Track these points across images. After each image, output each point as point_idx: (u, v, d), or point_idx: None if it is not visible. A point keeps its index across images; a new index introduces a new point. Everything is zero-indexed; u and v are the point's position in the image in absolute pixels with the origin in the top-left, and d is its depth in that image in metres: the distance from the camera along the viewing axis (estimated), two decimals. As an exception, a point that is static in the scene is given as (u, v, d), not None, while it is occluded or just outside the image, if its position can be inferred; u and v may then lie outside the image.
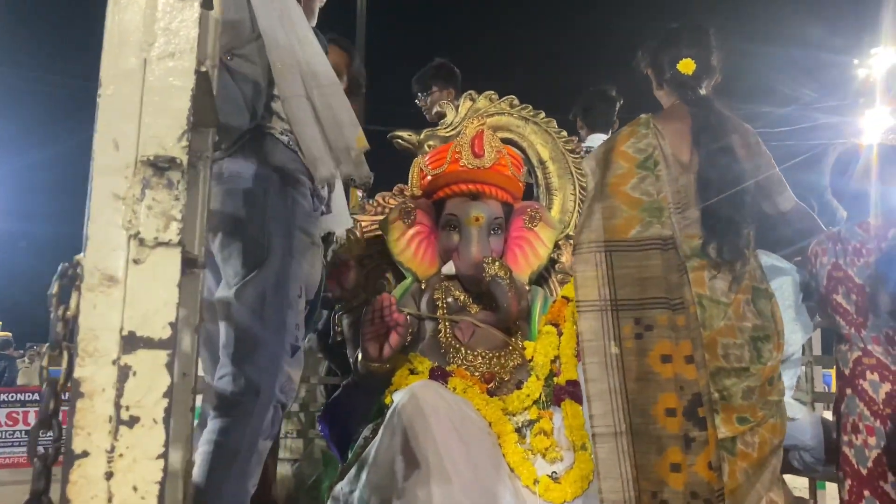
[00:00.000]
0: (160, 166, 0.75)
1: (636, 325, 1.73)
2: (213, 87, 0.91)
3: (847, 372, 1.98)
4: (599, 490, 1.64)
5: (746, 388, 1.75)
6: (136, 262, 0.75)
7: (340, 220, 1.66)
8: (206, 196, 0.95)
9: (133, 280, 0.75)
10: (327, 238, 1.88)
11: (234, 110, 1.40)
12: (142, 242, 0.75)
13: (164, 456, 0.74)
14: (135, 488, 0.72)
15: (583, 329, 1.77)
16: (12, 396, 6.15)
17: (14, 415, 6.01)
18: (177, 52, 0.77)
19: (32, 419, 6.01)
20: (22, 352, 10.12)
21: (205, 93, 0.84)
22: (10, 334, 10.66)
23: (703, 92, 2.01)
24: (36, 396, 6.18)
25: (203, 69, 0.79)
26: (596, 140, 3.23)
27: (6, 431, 6.00)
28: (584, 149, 3.16)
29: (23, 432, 6.01)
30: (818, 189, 2.18)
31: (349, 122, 1.45)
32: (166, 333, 0.74)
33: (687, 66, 1.98)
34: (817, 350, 2.53)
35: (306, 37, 1.42)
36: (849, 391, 1.96)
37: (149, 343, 0.74)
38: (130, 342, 0.74)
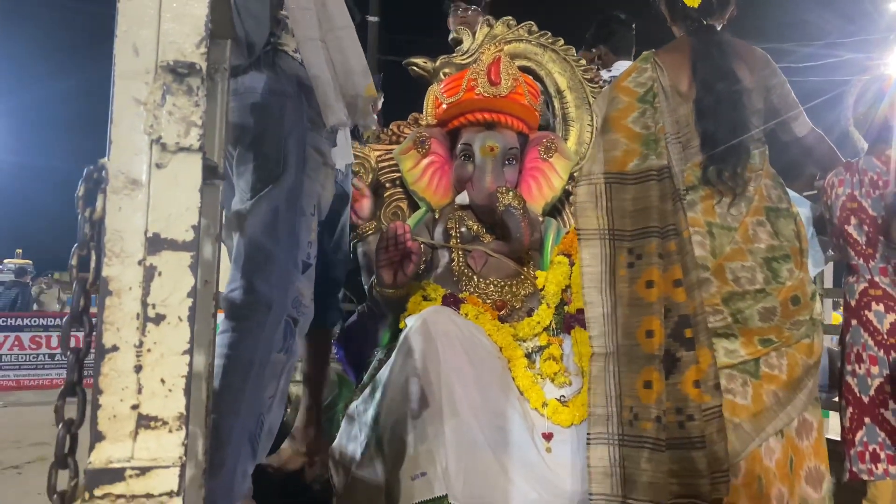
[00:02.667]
0: (179, 72, 0.76)
1: (629, 255, 1.80)
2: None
3: (853, 303, 2.01)
4: (588, 403, 1.71)
5: (763, 309, 1.79)
6: (158, 166, 0.77)
7: (343, 153, 1.67)
8: (224, 107, 0.96)
9: (156, 184, 0.77)
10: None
11: (255, 25, 1.40)
12: (164, 147, 0.77)
13: (190, 352, 0.78)
14: (162, 381, 0.77)
15: (583, 256, 1.85)
16: (35, 321, 6.34)
17: (38, 339, 6.21)
18: (194, -44, 0.77)
19: (55, 343, 6.20)
20: (37, 279, 10.35)
21: (222, 2, 0.84)
22: (30, 262, 10.90)
23: (711, 23, 1.99)
24: (58, 322, 6.36)
25: (220, -25, 0.79)
26: (622, 66, 3.18)
27: (30, 354, 6.21)
28: (608, 78, 3.11)
29: (46, 355, 6.22)
30: (842, 123, 2.16)
31: (360, 69, 1.45)
32: (189, 236, 0.77)
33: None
34: (829, 283, 2.55)
35: None
36: (854, 322, 1.99)
37: (172, 245, 0.77)
38: (155, 244, 0.77)
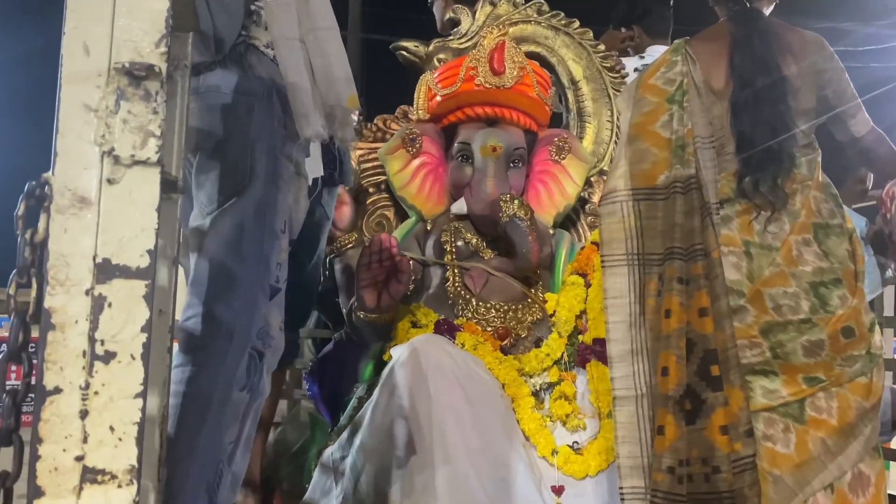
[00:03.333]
0: (136, 75, 0.80)
1: (659, 282, 1.84)
2: (192, -14, 0.95)
3: (919, 336, 2.05)
4: (617, 454, 1.75)
5: (808, 342, 1.82)
6: (110, 181, 0.81)
7: (312, 165, 1.71)
8: (185, 111, 1.00)
9: (107, 202, 0.81)
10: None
11: (227, 20, 1.44)
12: (116, 160, 0.80)
13: (143, 395, 0.81)
14: (111, 428, 0.80)
15: (608, 286, 1.89)
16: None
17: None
18: (154, -57, 0.81)
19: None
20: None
21: (183, -7, 0.88)
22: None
23: (755, 5, 2.04)
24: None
25: (183, -36, 0.83)
26: (657, 52, 3.22)
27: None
28: (641, 67, 3.15)
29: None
30: None
31: (343, 76, 1.49)
32: (144, 262, 0.81)
33: None
34: (889, 310, 2.59)
35: None
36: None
37: (125, 272, 0.81)
38: (105, 270, 0.81)
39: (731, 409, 1.71)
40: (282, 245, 1.55)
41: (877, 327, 1.89)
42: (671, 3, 3.33)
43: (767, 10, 2.12)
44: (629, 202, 1.93)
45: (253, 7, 1.53)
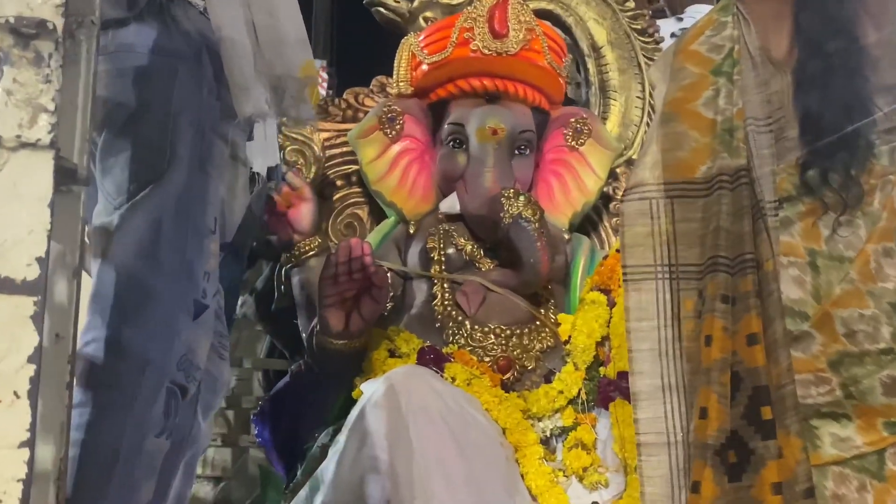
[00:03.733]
0: (23, 33, 0.79)
1: (699, 300, 1.83)
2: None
3: None
4: None
5: (890, 378, 1.82)
6: (-11, 169, 0.79)
7: (262, 150, 1.69)
8: (90, 79, 0.99)
9: (-15, 196, 0.79)
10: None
11: None
12: (-2, 142, 0.79)
13: (30, 444, 0.79)
14: (-11, 487, 0.78)
15: (631, 305, 1.88)
16: None
17: None
18: None
19: None
20: None
21: (89, -73, 0.87)
22: None
23: None
24: None
25: None
26: (699, 14, 3.21)
27: None
28: (679, 31, 3.15)
29: None
30: None
31: (295, 37, 1.49)
32: (32, 273, 0.79)
33: None
34: None
35: None
36: None
37: (8, 285, 0.79)
38: (-18, 284, 0.79)
39: (787, 462, 1.71)
40: (211, 249, 1.54)
41: None
42: None
43: None
44: (660, 199, 1.92)
45: None
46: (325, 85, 5.66)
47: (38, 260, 0.80)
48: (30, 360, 0.79)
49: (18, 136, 0.79)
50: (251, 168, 1.68)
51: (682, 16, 3.25)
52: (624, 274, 1.90)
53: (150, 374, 1.42)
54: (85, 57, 0.99)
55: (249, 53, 1.41)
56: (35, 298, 0.79)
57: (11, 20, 0.79)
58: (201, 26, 1.52)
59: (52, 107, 0.79)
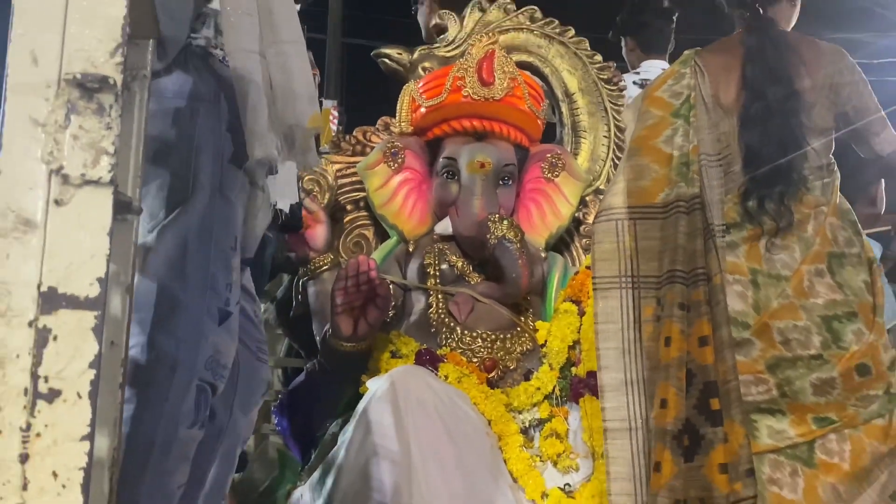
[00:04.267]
0: (89, 87, 0.79)
1: (657, 307, 1.87)
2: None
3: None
4: (608, 491, 1.75)
5: (819, 380, 1.84)
6: (58, 203, 0.79)
7: (284, 189, 1.70)
8: (142, 124, 1.00)
9: (54, 225, 0.79)
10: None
11: (170, 23, 1.42)
12: (66, 180, 0.79)
13: (90, 438, 0.80)
14: (55, 474, 0.79)
15: (599, 310, 1.94)
16: None
17: None
18: (111, -57, 0.80)
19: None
20: None
21: (142, 1, 0.88)
22: None
23: (770, 10, 2.07)
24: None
25: (143, -33, 0.83)
26: (653, 68, 3.25)
27: None
28: (638, 81, 3.19)
29: None
30: None
31: (306, 94, 1.48)
32: (94, 291, 0.80)
33: None
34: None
35: None
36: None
37: (73, 302, 0.79)
38: (50, 300, 0.79)
39: (731, 446, 1.73)
40: (232, 263, 1.54)
41: None
42: (673, 18, 3.38)
43: (790, 22, 2.14)
44: (625, 220, 1.96)
45: (205, 9, 1.53)
46: (335, 122, 5.67)
47: (99, 280, 0.80)
48: (90, 365, 0.80)
49: (83, 175, 0.80)
50: (274, 204, 1.67)
51: (638, 69, 3.29)
52: (594, 284, 1.95)
53: (180, 373, 1.41)
54: (138, 105, 0.99)
55: (265, 104, 1.41)
56: (96, 313, 0.80)
57: (79, 76, 0.79)
58: (221, 73, 1.52)
59: (111, 150, 0.80)
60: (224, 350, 1.50)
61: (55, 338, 0.79)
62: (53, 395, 0.79)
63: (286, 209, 1.70)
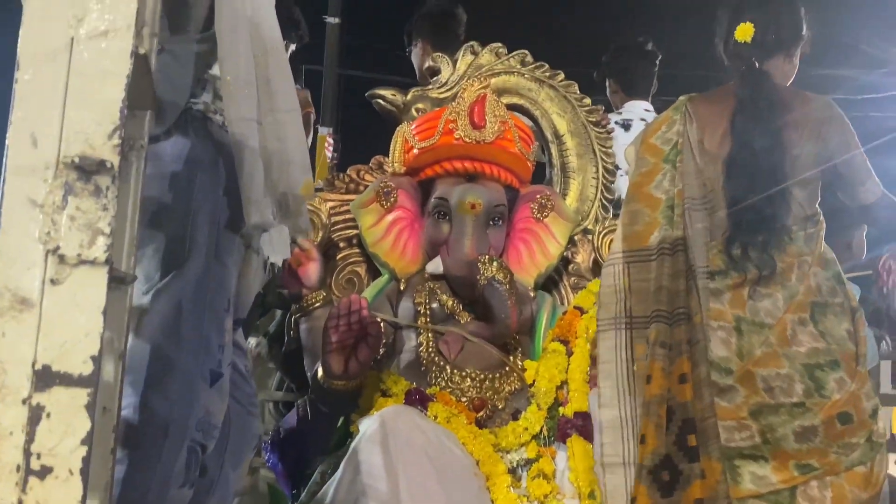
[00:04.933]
0: (86, 169, 0.80)
1: (647, 345, 1.92)
2: (151, 67, 0.96)
3: (917, 419, 2.07)
4: None
5: (801, 427, 1.85)
6: (53, 282, 0.80)
7: (277, 245, 1.71)
8: (138, 193, 1.00)
9: (50, 304, 0.80)
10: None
11: (171, 90, 1.44)
12: (62, 259, 0.80)
13: (81, 512, 0.80)
14: (45, 550, 0.79)
15: (600, 350, 1.99)
16: None
17: None
18: (111, 29, 0.81)
19: None
20: None
21: (142, 74, 0.89)
22: None
23: (766, 64, 2.10)
24: None
25: (142, 51, 0.84)
26: (634, 109, 3.30)
27: None
28: (620, 121, 3.22)
29: None
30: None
31: (300, 162, 1.51)
32: (87, 369, 0.80)
33: (744, 32, 2.06)
34: (886, 387, 2.62)
35: (275, 46, 1.46)
36: (917, 442, 2.05)
37: (66, 380, 0.80)
38: (45, 378, 0.80)
39: (709, 482, 1.75)
40: (225, 325, 1.54)
41: (880, 413, 1.91)
42: (656, 62, 3.43)
43: (787, 77, 2.17)
44: (621, 264, 2.01)
45: (205, 76, 1.54)
46: (330, 149, 5.68)
47: (93, 358, 0.80)
48: (83, 442, 0.80)
49: (79, 255, 0.80)
50: (267, 259, 1.68)
51: (620, 110, 3.32)
52: (598, 325, 2.01)
53: (172, 434, 1.42)
54: (134, 175, 1.00)
55: (261, 170, 1.43)
56: (89, 390, 0.80)
57: (77, 160, 0.80)
58: (220, 138, 1.53)
59: (108, 230, 0.80)
60: (215, 411, 1.51)
61: (48, 415, 0.80)
62: (45, 471, 0.79)
63: (279, 264, 1.70)
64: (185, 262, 1.47)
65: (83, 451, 0.80)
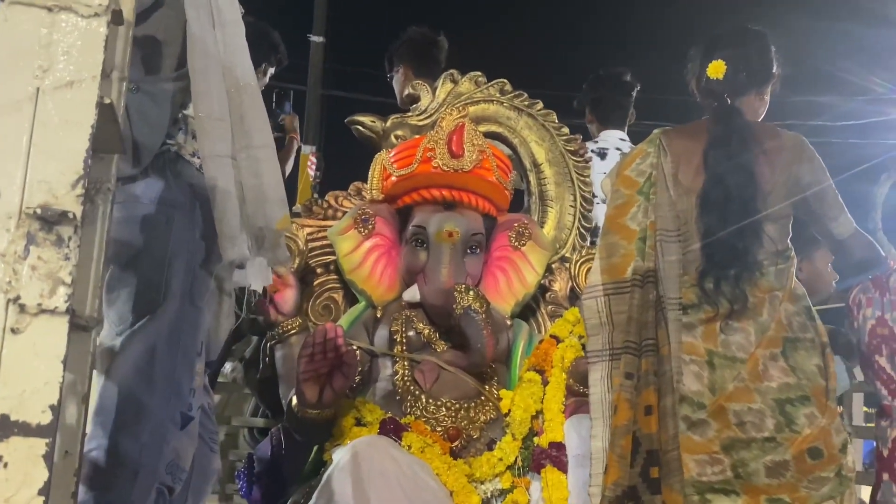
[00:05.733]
0: (49, 220, 0.81)
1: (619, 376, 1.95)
2: (118, 113, 0.97)
3: (886, 453, 2.10)
4: None
5: (772, 462, 1.87)
6: (14, 331, 0.80)
7: (257, 273, 1.72)
8: (104, 235, 1.01)
9: (9, 353, 0.80)
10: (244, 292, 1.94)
11: (148, 132, 1.46)
12: (22, 309, 0.81)
13: (37, 563, 0.80)
14: None
15: (590, 382, 2.03)
16: None
17: None
18: (77, 80, 0.82)
19: None
20: None
21: (108, 122, 0.90)
22: None
23: (738, 101, 2.13)
24: None
25: (107, 101, 0.85)
26: (610, 138, 3.34)
27: None
28: (596, 150, 3.25)
29: None
30: (868, 225, 2.29)
31: (276, 197, 1.52)
32: (46, 418, 0.80)
33: (716, 69, 2.10)
34: (858, 419, 2.64)
35: (248, 82, 1.48)
36: (886, 476, 2.07)
37: (24, 429, 0.80)
38: (3, 427, 0.80)
39: None
40: (196, 368, 1.55)
41: (850, 447, 1.93)
42: (632, 93, 3.47)
43: (758, 115, 2.21)
44: (601, 297, 2.04)
45: (180, 115, 1.56)
46: (313, 167, 5.69)
47: (51, 407, 0.81)
48: (40, 492, 0.80)
49: (39, 304, 0.81)
50: (248, 286, 1.69)
51: (597, 139, 3.37)
52: (587, 357, 2.07)
53: (142, 478, 1.42)
54: (101, 217, 1.01)
55: (237, 207, 1.44)
56: (47, 440, 0.80)
57: (38, 210, 0.81)
58: (195, 181, 1.54)
59: (69, 280, 0.81)
60: (184, 454, 1.52)
61: (6, 465, 0.80)
62: (2, 522, 0.79)
63: (259, 290, 1.71)
64: (159, 306, 1.48)
65: (40, 501, 0.80)
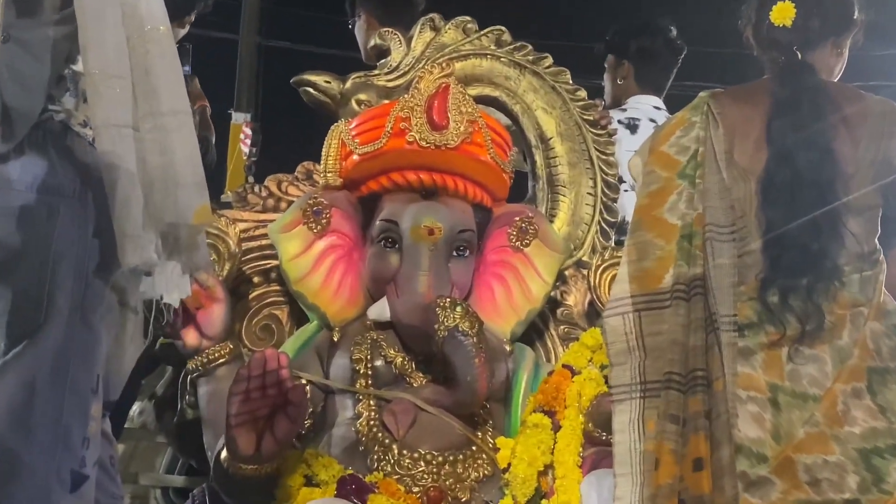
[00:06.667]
0: None
1: (658, 420, 1.92)
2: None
3: None
4: None
5: None
6: None
7: (172, 282, 1.69)
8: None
9: None
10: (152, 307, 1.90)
11: (21, 93, 1.43)
12: None
13: None
14: None
15: (614, 426, 1.99)
16: None
17: None
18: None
19: None
20: None
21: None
22: None
23: (809, 55, 2.12)
24: None
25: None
26: (641, 105, 3.34)
27: None
28: (624, 120, 3.25)
29: None
30: None
31: (192, 181, 1.50)
32: None
33: (782, 12, 2.09)
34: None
35: (156, 27, 1.45)
36: None
37: None
38: None
39: None
40: (89, 411, 1.52)
41: None
42: (679, 57, 3.47)
43: (833, 74, 2.20)
44: (631, 314, 2.00)
45: (66, 72, 1.53)
46: (248, 142, 5.67)
47: None
48: None
49: None
50: (160, 299, 1.66)
51: (624, 106, 3.35)
52: (612, 393, 2.01)
53: None
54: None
55: (139, 196, 1.41)
56: None
57: None
58: (88, 160, 1.51)
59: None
60: None
61: None
62: None
63: (175, 305, 1.68)
64: (39, 328, 1.45)
65: None
